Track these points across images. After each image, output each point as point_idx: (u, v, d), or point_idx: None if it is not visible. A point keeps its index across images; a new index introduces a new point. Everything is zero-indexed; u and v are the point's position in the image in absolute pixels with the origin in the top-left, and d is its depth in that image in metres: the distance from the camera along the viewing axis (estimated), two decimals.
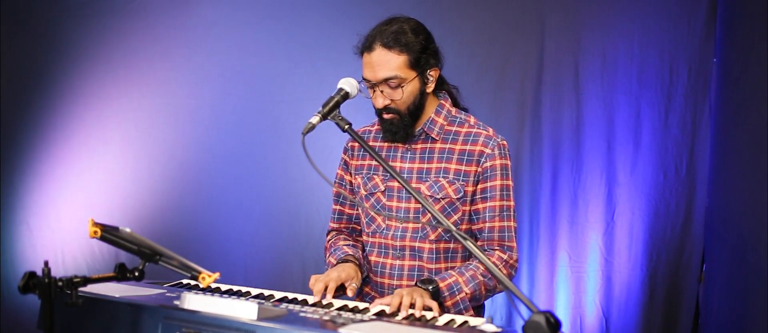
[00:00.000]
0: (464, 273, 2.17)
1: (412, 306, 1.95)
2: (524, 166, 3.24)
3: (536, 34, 3.21)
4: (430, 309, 1.98)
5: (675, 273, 3.05)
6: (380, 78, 2.14)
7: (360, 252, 2.38)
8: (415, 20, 2.24)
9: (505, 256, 2.21)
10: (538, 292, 3.22)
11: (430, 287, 2.08)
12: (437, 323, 1.83)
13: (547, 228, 3.20)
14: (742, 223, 2.69)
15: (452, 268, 2.24)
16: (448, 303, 2.12)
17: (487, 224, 2.23)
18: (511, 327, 3.13)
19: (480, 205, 2.24)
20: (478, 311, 2.36)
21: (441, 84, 2.34)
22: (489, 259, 2.18)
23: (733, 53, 2.90)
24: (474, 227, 2.26)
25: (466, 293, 2.14)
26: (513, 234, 2.25)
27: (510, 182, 2.26)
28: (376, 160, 1.98)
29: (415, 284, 2.11)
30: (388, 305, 1.95)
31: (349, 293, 2.12)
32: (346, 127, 2.02)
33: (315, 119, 1.98)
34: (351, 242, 2.42)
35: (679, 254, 3.04)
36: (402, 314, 1.91)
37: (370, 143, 2.36)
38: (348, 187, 2.44)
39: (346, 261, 2.24)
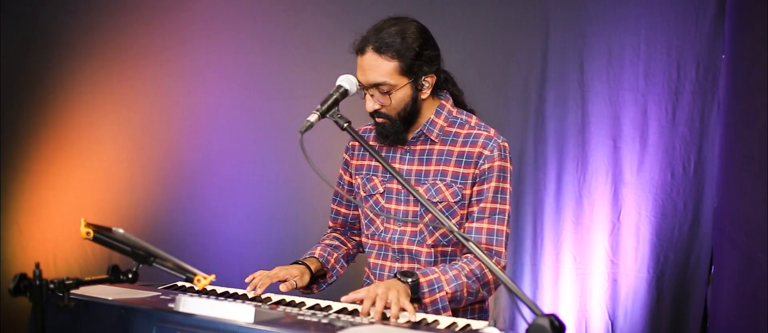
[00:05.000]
0: (448, 272, 2.09)
1: (386, 307, 1.86)
2: (528, 165, 3.19)
3: (540, 30, 3.16)
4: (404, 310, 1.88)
5: (682, 275, 3.01)
6: (370, 82, 2.12)
7: (337, 253, 2.37)
8: (416, 23, 2.16)
9: (491, 262, 2.15)
10: (542, 294, 3.18)
11: (410, 280, 1.99)
12: (439, 326, 1.79)
13: (551, 229, 3.16)
14: (752, 223, 2.65)
15: None
16: (427, 300, 2.04)
17: (475, 225, 2.17)
18: (514, 330, 3.09)
19: (474, 208, 2.18)
20: (481, 314, 2.32)
21: (444, 85, 2.29)
22: (473, 262, 2.13)
23: (742, 49, 2.86)
24: (463, 228, 2.20)
25: (447, 292, 2.06)
26: (502, 239, 2.17)
27: (507, 186, 2.19)
28: (376, 160, 1.96)
29: (395, 276, 2.02)
30: (359, 301, 1.89)
31: (282, 288, 2.12)
32: (345, 125, 1.99)
33: (313, 117, 1.96)
34: (336, 243, 2.41)
35: (687, 255, 3.00)
36: (403, 318, 1.86)
37: (370, 143, 2.32)
38: (346, 186, 2.42)
39: (300, 262, 2.26)
